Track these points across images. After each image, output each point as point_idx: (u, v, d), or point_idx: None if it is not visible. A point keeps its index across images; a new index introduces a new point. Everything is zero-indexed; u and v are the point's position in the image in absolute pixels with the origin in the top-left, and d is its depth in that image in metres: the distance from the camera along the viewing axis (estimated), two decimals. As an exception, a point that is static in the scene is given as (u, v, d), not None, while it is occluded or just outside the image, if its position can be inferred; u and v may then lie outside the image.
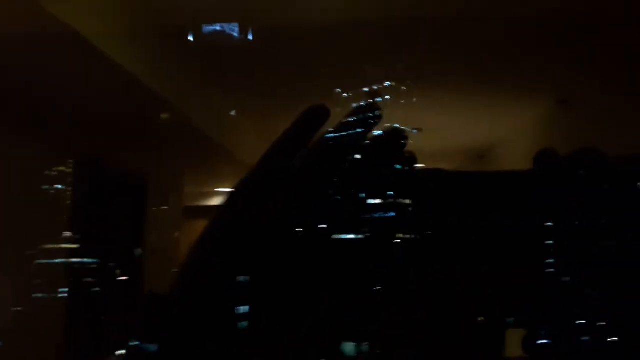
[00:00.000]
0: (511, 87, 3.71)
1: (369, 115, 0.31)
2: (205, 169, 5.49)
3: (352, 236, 0.27)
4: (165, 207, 4.80)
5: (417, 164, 0.30)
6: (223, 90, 3.88)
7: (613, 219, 0.27)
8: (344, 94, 2.95)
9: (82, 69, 2.63)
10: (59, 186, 3.60)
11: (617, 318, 0.26)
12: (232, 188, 0.30)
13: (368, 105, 0.31)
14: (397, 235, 0.27)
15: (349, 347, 0.25)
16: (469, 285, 0.26)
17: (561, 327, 0.26)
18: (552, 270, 0.26)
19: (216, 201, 7.48)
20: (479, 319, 0.26)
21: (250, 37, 2.69)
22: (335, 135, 0.30)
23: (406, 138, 0.31)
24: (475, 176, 0.30)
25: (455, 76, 3.61)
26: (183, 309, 0.27)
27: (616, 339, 0.26)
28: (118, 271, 4.23)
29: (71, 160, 3.64)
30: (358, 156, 0.30)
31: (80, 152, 3.60)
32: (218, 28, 2.68)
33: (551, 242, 0.26)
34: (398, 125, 0.31)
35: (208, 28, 2.68)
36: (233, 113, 4.14)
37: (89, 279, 3.89)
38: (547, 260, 0.26)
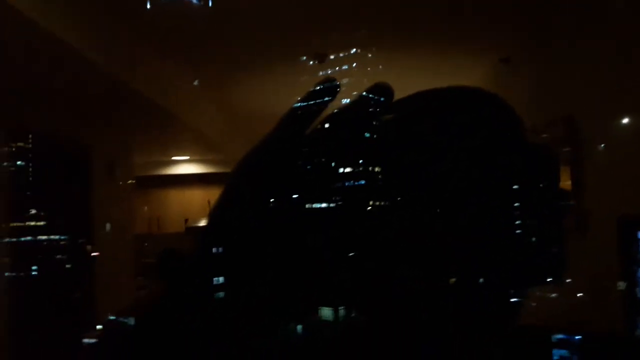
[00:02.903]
0: (461, 47, 3.76)
1: (327, 87, 0.31)
2: (158, 138, 5.36)
3: (324, 205, 0.28)
4: (126, 182, 4.68)
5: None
6: (175, 58, 3.75)
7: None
8: (310, 62, 2.90)
9: (13, 38, 2.48)
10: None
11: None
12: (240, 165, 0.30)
13: (326, 79, 0.31)
14: (369, 203, 0.28)
15: (326, 312, 0.26)
16: (441, 247, 0.27)
17: (529, 285, 0.27)
18: (519, 231, 0.27)
19: (171, 170, 7.36)
20: (451, 280, 0.27)
21: (210, 4, 2.60)
22: (302, 104, 0.30)
23: (376, 105, 0.31)
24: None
25: (413, 42, 3.62)
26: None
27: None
28: (89, 247, 4.16)
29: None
30: (327, 125, 0.30)
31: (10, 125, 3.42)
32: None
33: (518, 204, 0.27)
34: (365, 94, 0.31)
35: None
36: (196, 83, 4.04)
37: (60, 256, 3.82)
38: (516, 222, 0.27)
